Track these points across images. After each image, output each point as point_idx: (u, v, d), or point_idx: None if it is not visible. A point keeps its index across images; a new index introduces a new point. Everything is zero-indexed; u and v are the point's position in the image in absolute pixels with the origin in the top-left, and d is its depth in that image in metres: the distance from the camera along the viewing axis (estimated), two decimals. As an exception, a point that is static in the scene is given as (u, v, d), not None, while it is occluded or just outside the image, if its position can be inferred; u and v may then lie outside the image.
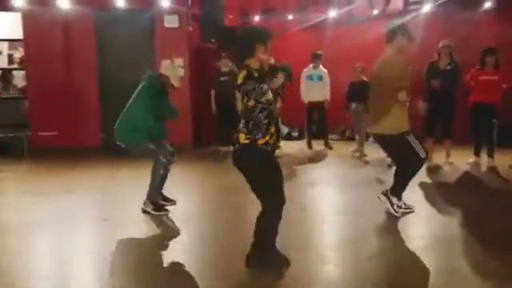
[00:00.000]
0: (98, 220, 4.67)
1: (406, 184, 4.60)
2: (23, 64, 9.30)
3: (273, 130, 3.14)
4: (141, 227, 4.43)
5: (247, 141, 3.08)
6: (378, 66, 4.58)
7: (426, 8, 9.12)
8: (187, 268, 3.44)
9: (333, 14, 9.42)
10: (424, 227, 4.41)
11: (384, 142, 4.63)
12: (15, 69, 9.48)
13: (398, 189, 4.59)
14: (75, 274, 3.45)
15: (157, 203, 4.71)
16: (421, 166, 4.59)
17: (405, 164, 4.57)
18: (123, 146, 4.73)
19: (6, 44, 9.81)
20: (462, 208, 4.84)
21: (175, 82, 4.63)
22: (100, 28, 8.30)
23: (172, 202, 4.81)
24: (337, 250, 3.85)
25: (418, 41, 8.69)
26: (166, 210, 4.70)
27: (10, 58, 9.93)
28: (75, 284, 3.24)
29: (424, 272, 3.31)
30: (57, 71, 8.38)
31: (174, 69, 4.88)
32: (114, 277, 3.34)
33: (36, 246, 4.01)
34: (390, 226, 4.33)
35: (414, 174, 4.59)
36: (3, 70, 9.42)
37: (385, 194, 4.65)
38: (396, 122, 4.40)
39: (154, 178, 4.67)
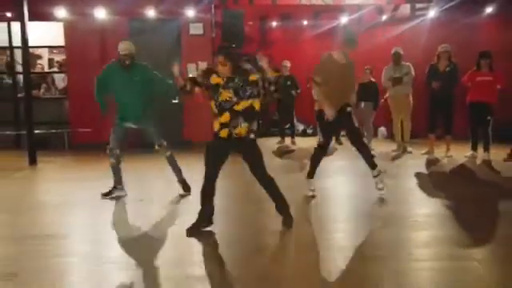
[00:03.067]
0: (135, 200, 5.49)
1: (312, 165, 5.38)
2: (63, 68, 10.33)
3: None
4: (167, 207, 5.23)
5: None
6: None
7: (432, 14, 9.80)
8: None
9: (344, 20, 10.15)
10: (415, 208, 5.10)
11: None
12: (55, 72, 10.53)
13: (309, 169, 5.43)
14: (108, 248, 4.07)
15: (114, 187, 5.50)
16: (321, 152, 5.32)
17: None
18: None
19: (46, 49, 10.89)
20: (453, 193, 5.52)
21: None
22: (134, 35, 9.21)
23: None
24: (343, 222, 4.60)
25: (424, 44, 9.44)
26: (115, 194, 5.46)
27: (51, 62, 11.00)
28: (107, 257, 3.88)
29: (417, 242, 4.05)
30: (94, 74, 9.26)
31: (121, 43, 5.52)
32: (141, 250, 4.15)
33: (75, 220, 4.82)
34: (388, 207, 5.06)
35: (315, 156, 5.34)
36: (45, 73, 10.48)
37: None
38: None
39: None
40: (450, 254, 3.69)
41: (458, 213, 4.74)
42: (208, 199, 4.14)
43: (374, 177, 5.37)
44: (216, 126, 4.04)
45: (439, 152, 7.88)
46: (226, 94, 3.97)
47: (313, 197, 5.31)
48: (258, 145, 4.17)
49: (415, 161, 7.56)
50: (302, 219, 4.58)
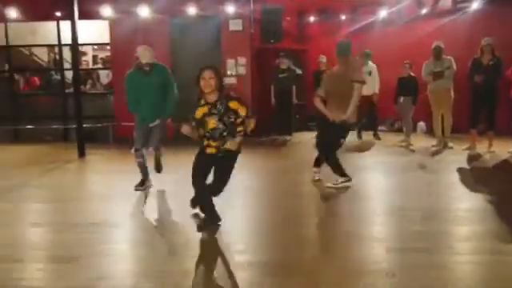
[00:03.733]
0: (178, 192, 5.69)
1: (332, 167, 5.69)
2: (106, 64, 10.75)
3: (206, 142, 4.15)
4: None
5: None
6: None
7: (474, 6, 9.57)
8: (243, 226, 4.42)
9: (383, 13, 10.06)
10: (456, 203, 5.06)
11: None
12: (100, 68, 10.98)
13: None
14: (158, 236, 4.45)
15: (142, 181, 5.69)
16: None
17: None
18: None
19: (90, 47, 11.35)
20: (496, 189, 5.44)
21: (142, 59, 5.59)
22: (174, 32, 9.50)
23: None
24: (382, 215, 4.66)
25: (466, 38, 9.25)
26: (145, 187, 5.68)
27: (95, 59, 11.46)
28: (158, 245, 4.27)
29: (458, 236, 4.13)
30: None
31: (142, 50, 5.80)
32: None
33: (123, 210, 5.03)
34: (428, 201, 5.06)
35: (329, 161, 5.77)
36: (90, 70, 10.96)
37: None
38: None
39: None
40: (491, 248, 3.70)
41: (499, 208, 4.70)
42: (206, 199, 4.23)
43: (337, 183, 5.58)
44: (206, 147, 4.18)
45: (481, 147, 7.75)
46: (212, 122, 4.06)
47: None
48: (235, 160, 4.23)
49: (456, 156, 7.47)
50: (341, 212, 4.67)
